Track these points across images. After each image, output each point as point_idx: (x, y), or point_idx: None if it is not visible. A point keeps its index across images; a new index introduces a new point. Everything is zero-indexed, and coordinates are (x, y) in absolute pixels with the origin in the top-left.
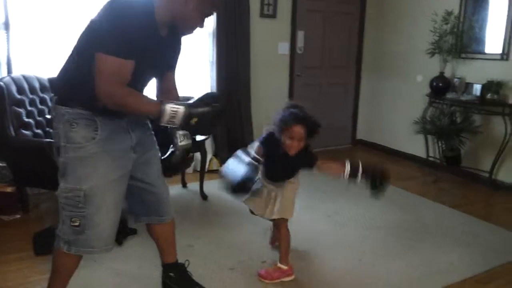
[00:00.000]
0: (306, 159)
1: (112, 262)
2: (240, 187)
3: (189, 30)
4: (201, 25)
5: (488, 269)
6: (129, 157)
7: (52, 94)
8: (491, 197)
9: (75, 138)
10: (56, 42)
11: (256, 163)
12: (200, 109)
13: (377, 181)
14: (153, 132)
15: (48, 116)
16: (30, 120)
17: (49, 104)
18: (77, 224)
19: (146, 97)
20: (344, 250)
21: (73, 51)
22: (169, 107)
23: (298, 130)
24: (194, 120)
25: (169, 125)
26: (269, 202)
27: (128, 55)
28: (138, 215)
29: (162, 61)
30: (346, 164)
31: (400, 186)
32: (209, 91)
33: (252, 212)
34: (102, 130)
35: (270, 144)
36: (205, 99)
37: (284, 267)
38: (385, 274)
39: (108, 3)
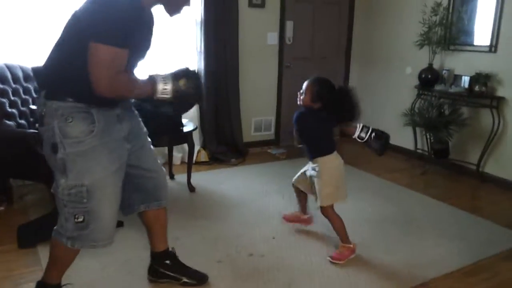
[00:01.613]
0: (318, 117)
1: (98, 256)
2: None
3: (177, 10)
4: (188, 3)
5: (475, 261)
6: (124, 147)
7: (39, 88)
8: (478, 189)
9: (73, 133)
10: (39, 30)
11: None
12: (183, 70)
13: (383, 138)
14: (140, 118)
15: (33, 107)
16: (14, 110)
17: (33, 94)
18: (81, 220)
19: (138, 79)
20: (331, 245)
21: (60, 42)
22: (159, 77)
23: (306, 83)
24: (182, 82)
25: (163, 96)
26: (311, 184)
27: (123, 44)
28: (133, 204)
29: (147, 46)
30: (359, 125)
31: (388, 178)
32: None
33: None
34: (99, 123)
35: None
36: (181, 69)
37: (350, 245)
38: (373, 267)
39: None
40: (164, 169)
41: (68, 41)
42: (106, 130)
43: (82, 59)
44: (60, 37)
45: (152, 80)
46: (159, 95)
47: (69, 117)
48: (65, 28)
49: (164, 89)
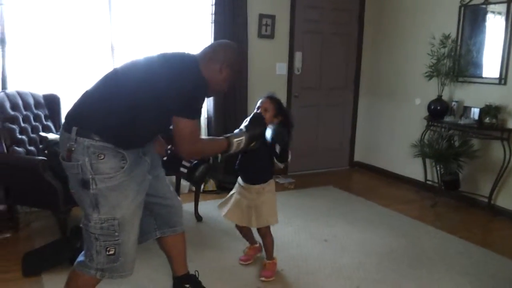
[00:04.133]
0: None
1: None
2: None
3: (215, 93)
4: (225, 90)
5: None
6: (148, 179)
7: (70, 123)
8: (490, 223)
9: (104, 169)
10: (52, 59)
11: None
12: (256, 132)
13: None
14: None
15: (43, 134)
16: (24, 137)
17: (43, 121)
18: (112, 252)
19: (213, 139)
20: (340, 279)
21: (117, 90)
22: (235, 140)
23: (264, 101)
24: (253, 144)
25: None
26: (249, 211)
27: (199, 115)
28: (148, 232)
29: None
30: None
31: (398, 210)
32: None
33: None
34: (129, 159)
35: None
36: (254, 121)
37: (274, 260)
38: None
39: (178, 67)
40: (179, 198)
41: (136, 100)
42: (134, 165)
43: (147, 119)
44: (117, 84)
45: (228, 139)
46: (232, 152)
47: (101, 154)
48: (127, 78)
49: (238, 146)
